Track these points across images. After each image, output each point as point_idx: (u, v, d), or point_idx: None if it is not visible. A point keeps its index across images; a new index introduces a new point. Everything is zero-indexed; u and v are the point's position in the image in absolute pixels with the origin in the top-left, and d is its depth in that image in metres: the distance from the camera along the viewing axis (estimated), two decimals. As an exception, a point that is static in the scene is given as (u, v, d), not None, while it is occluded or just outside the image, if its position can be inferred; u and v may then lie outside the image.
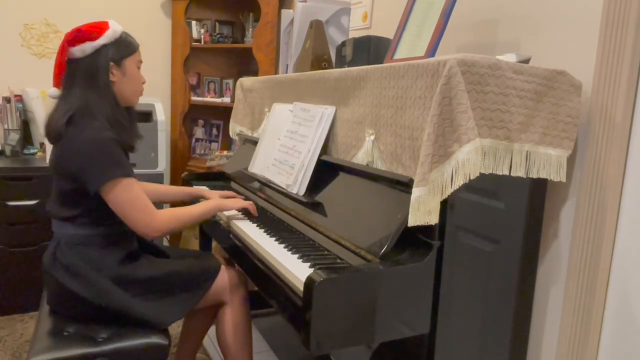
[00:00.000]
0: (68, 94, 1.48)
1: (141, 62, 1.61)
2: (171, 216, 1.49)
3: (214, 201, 1.65)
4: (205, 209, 1.60)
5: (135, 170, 1.77)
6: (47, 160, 1.54)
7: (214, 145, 3.61)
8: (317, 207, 1.47)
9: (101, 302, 1.42)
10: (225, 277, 1.63)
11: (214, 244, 2.44)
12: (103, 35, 1.48)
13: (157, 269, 1.53)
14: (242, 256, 1.54)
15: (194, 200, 1.90)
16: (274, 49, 3.14)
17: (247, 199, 1.84)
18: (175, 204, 1.95)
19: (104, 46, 1.49)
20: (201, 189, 1.91)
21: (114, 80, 1.52)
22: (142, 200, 1.43)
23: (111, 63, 1.50)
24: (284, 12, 2.25)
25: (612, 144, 1.26)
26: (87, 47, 1.47)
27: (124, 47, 1.53)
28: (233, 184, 2.20)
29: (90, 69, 1.48)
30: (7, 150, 2.74)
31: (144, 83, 1.63)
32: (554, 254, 1.42)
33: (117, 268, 1.46)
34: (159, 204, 2.25)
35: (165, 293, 1.51)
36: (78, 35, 1.46)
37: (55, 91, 1.53)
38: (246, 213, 1.75)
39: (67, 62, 1.49)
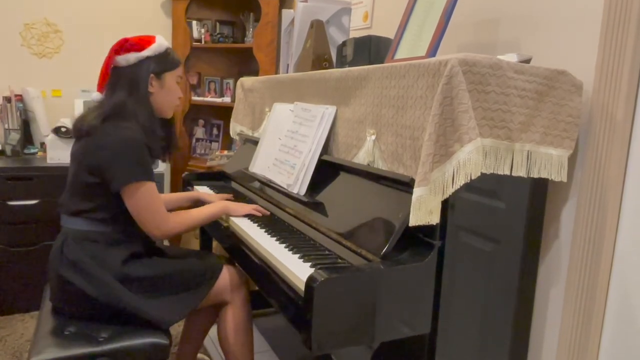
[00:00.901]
0: (109, 99, 1.54)
1: (181, 77, 1.67)
2: (181, 220, 1.55)
3: (222, 204, 1.68)
4: (213, 212, 1.64)
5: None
6: (70, 151, 1.57)
7: (215, 145, 3.61)
8: (318, 206, 1.47)
9: (104, 299, 1.43)
10: (226, 277, 1.63)
11: (214, 243, 2.44)
12: (148, 48, 1.56)
13: (159, 269, 1.53)
14: (242, 256, 1.54)
15: (194, 204, 1.90)
16: (275, 49, 3.14)
17: (248, 199, 1.84)
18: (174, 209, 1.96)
19: (148, 58, 1.56)
20: (199, 193, 1.93)
21: (152, 92, 1.58)
22: (158, 205, 1.49)
23: (152, 75, 1.57)
24: (285, 12, 2.25)
25: (613, 144, 1.26)
26: (131, 57, 1.54)
27: (167, 61, 1.60)
28: (233, 184, 2.20)
29: (131, 77, 1.55)
30: (8, 150, 2.74)
31: (180, 97, 1.68)
32: (554, 254, 1.42)
33: (121, 266, 1.47)
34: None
35: (167, 292, 1.51)
36: (125, 45, 1.55)
37: (98, 95, 1.60)
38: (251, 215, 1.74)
39: (112, 70, 1.56)
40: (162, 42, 1.60)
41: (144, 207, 1.46)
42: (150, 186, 1.47)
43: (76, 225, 1.50)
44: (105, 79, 1.57)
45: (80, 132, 1.51)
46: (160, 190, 2.91)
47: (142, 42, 1.56)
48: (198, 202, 1.88)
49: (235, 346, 1.64)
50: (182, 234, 3.27)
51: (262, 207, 1.74)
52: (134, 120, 1.51)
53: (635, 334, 1.28)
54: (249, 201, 1.82)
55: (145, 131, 1.51)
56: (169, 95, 1.63)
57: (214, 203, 1.69)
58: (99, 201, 1.48)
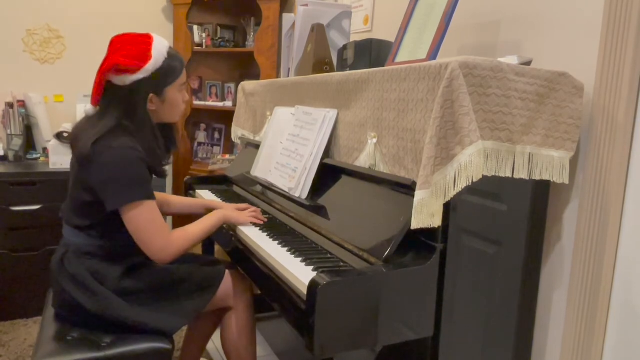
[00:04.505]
0: (103, 117, 1.42)
1: (185, 82, 1.54)
2: (184, 238, 1.45)
3: (220, 213, 1.61)
4: (213, 224, 1.57)
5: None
6: (70, 165, 1.50)
7: (216, 149, 3.62)
8: (319, 210, 1.47)
9: (104, 312, 1.42)
10: (229, 283, 1.62)
11: (216, 247, 2.44)
12: (144, 68, 1.39)
13: (161, 277, 1.52)
14: (245, 260, 1.54)
15: (206, 212, 1.88)
16: (276, 53, 3.15)
17: (251, 204, 1.83)
18: (185, 215, 1.95)
19: (145, 79, 1.41)
20: (216, 203, 1.84)
21: (153, 109, 1.47)
22: (159, 224, 1.40)
23: (151, 95, 1.44)
24: (285, 16, 2.25)
25: (614, 145, 1.26)
26: (126, 80, 1.40)
27: (166, 77, 1.45)
28: (235, 188, 2.20)
29: (128, 99, 1.42)
30: (10, 156, 2.74)
31: (186, 101, 1.56)
32: (557, 256, 1.41)
33: (121, 281, 1.46)
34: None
35: (169, 301, 1.50)
36: (116, 68, 1.38)
37: (92, 109, 1.48)
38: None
39: (107, 84, 1.42)
40: (158, 55, 1.42)
41: (143, 229, 1.37)
42: (148, 204, 1.37)
43: (77, 239, 1.47)
44: (99, 94, 1.44)
45: (74, 150, 1.44)
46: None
47: (135, 64, 1.39)
48: (210, 211, 1.86)
49: (239, 351, 1.63)
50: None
51: (263, 210, 1.73)
52: (129, 136, 1.40)
53: (639, 335, 1.28)
54: (263, 211, 1.80)
55: (145, 150, 1.42)
56: (172, 107, 1.51)
57: (211, 214, 1.61)
58: (97, 218, 1.44)
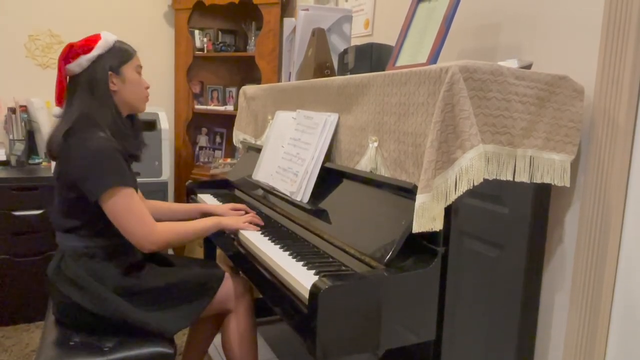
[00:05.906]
0: (70, 107, 1.49)
1: (141, 67, 1.61)
2: (170, 230, 1.47)
3: (215, 219, 1.62)
4: (205, 227, 1.58)
5: (140, 179, 1.76)
6: (52, 171, 1.54)
7: (218, 153, 3.62)
8: (321, 214, 1.47)
9: (105, 313, 1.42)
10: (230, 286, 1.63)
11: (218, 251, 2.44)
12: (96, 46, 1.49)
13: (161, 279, 1.53)
14: (246, 264, 1.54)
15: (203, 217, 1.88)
16: (277, 57, 3.16)
17: (252, 208, 1.84)
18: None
19: (100, 56, 1.49)
20: (211, 207, 1.83)
21: (115, 90, 1.53)
22: (140, 211, 1.42)
23: (110, 72, 1.51)
24: (286, 20, 2.26)
25: (615, 148, 1.26)
26: (83, 61, 1.48)
27: (120, 54, 1.53)
28: (237, 192, 2.20)
29: (89, 81, 1.49)
30: (13, 161, 2.75)
31: (147, 88, 1.62)
32: (558, 259, 1.41)
33: (121, 280, 1.46)
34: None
35: (169, 303, 1.51)
36: (72, 51, 1.48)
37: (59, 110, 1.54)
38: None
39: (69, 80, 1.52)
40: (108, 37, 1.52)
41: (123, 214, 1.39)
42: (127, 191, 1.40)
43: (71, 242, 1.48)
44: (62, 91, 1.53)
45: (52, 154, 1.49)
46: (164, 198, 2.91)
47: (88, 43, 1.49)
48: (207, 215, 1.86)
49: (240, 355, 1.63)
50: (178, 245, 3.27)
51: (265, 214, 1.74)
52: (100, 125, 1.45)
53: (641, 338, 1.28)
54: (260, 214, 1.81)
55: (114, 134, 1.46)
56: (134, 88, 1.56)
57: (207, 218, 1.63)
58: (87, 216, 1.45)
